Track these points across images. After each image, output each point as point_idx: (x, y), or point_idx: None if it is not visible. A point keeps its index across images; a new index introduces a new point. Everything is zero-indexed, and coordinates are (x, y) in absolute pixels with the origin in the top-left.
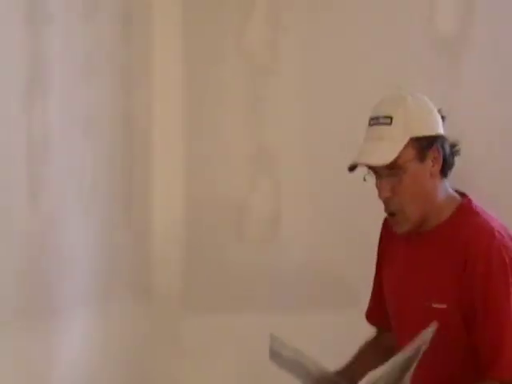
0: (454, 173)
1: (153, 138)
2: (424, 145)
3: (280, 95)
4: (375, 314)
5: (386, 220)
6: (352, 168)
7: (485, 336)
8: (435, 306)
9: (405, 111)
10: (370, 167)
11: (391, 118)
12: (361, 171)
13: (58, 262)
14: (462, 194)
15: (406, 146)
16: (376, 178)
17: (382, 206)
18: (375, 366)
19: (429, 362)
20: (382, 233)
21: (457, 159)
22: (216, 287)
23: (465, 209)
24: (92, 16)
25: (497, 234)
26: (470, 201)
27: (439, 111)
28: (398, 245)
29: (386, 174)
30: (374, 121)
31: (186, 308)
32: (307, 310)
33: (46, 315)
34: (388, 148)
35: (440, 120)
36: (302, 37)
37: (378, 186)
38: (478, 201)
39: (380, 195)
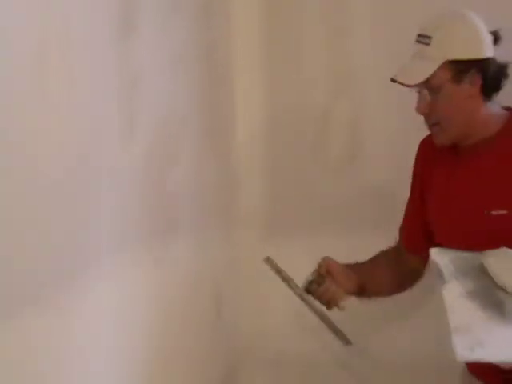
0: None
1: (234, 66)
2: (461, 68)
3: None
4: (411, 237)
5: (424, 141)
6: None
7: None
8: (494, 213)
9: (446, 32)
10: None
11: (430, 38)
12: None
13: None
14: (509, 108)
15: (441, 68)
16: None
17: None
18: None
19: None
20: (419, 155)
21: None
22: (296, 211)
23: None
24: None
25: None
26: None
27: (495, 32)
28: (446, 160)
29: (423, 91)
30: (418, 38)
31: (268, 232)
32: (385, 232)
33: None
34: (422, 68)
35: (489, 42)
36: None
37: (417, 101)
38: None
39: (417, 110)
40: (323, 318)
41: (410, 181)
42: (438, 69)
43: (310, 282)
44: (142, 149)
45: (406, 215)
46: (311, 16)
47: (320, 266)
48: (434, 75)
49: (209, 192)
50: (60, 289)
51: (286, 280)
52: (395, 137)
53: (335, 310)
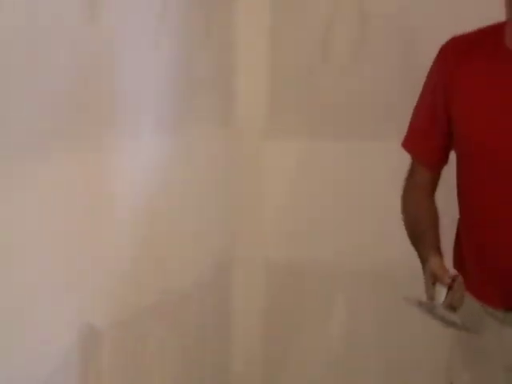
0: None
1: None
2: None
3: None
4: (422, 144)
5: (450, 45)
6: None
7: None
8: None
9: None
10: None
11: None
12: None
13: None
14: None
15: None
16: None
17: None
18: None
19: None
20: (441, 60)
21: None
22: (299, 111)
23: None
24: None
25: None
26: None
27: None
28: (487, 68)
29: None
30: None
31: (268, 131)
32: (389, 137)
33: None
34: None
35: None
36: None
37: None
38: None
39: None
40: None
41: (419, 81)
42: None
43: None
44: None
45: (417, 122)
46: None
47: (438, 274)
48: None
49: (203, 85)
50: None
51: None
52: (402, 34)
53: None
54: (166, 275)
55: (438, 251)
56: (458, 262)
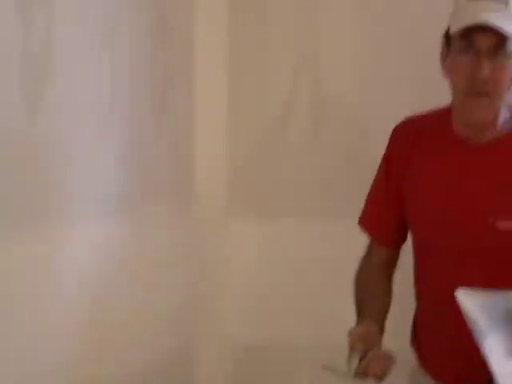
0: None
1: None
2: None
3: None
4: (376, 222)
5: (401, 127)
6: (465, 32)
7: None
8: (502, 223)
9: None
10: (472, 44)
11: (506, 3)
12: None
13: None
14: None
15: None
16: (471, 56)
17: None
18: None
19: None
20: (396, 140)
21: None
22: (258, 193)
23: None
24: None
25: None
26: None
27: None
28: (436, 155)
29: (488, 53)
30: None
31: (229, 214)
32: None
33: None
34: (509, 24)
35: None
36: None
37: (477, 64)
38: None
39: (479, 74)
40: None
41: (377, 159)
42: None
43: (358, 363)
44: None
45: (372, 202)
46: None
47: (350, 341)
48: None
49: (160, 165)
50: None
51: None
52: (357, 114)
53: None
54: (124, 357)
55: (368, 322)
56: (415, 339)
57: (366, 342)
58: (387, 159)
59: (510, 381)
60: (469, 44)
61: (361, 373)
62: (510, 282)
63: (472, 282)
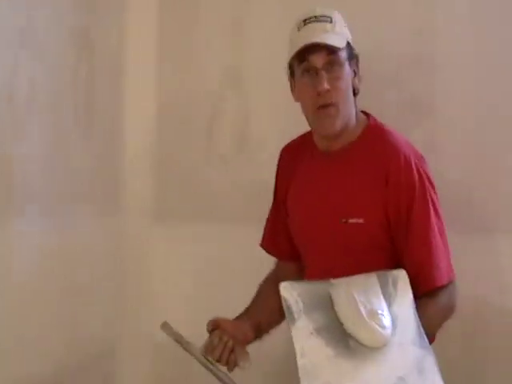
0: None
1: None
2: (352, 53)
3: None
4: (273, 241)
5: (285, 148)
6: (301, 56)
7: (411, 248)
8: (352, 221)
9: (339, 16)
10: (308, 64)
11: (331, 18)
12: None
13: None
14: (366, 113)
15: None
16: (311, 75)
17: None
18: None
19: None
20: (280, 163)
21: None
22: (185, 198)
23: (376, 127)
24: None
25: (411, 148)
26: (375, 119)
27: None
28: (305, 168)
29: (324, 68)
30: (312, 19)
31: (156, 218)
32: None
33: None
34: (336, 37)
35: None
36: None
37: (316, 80)
38: None
39: (319, 87)
40: (225, 382)
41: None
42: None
43: (207, 345)
44: None
45: (268, 220)
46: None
47: (207, 324)
48: (343, 49)
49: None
50: None
51: (185, 346)
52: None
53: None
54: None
55: (244, 318)
56: None
57: (222, 329)
58: (275, 181)
59: (311, 354)
60: (307, 66)
61: (205, 349)
62: (364, 265)
63: (336, 269)
